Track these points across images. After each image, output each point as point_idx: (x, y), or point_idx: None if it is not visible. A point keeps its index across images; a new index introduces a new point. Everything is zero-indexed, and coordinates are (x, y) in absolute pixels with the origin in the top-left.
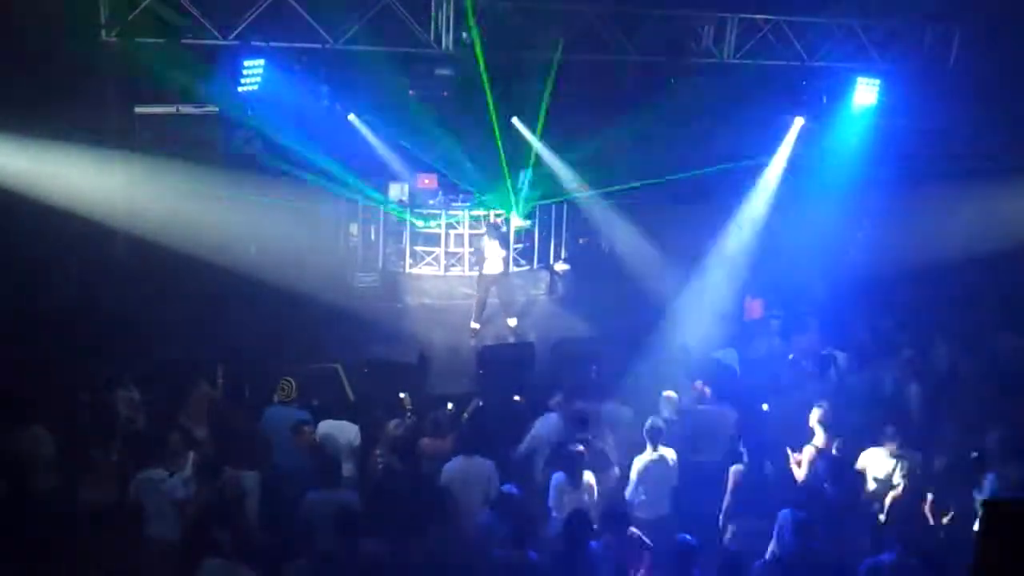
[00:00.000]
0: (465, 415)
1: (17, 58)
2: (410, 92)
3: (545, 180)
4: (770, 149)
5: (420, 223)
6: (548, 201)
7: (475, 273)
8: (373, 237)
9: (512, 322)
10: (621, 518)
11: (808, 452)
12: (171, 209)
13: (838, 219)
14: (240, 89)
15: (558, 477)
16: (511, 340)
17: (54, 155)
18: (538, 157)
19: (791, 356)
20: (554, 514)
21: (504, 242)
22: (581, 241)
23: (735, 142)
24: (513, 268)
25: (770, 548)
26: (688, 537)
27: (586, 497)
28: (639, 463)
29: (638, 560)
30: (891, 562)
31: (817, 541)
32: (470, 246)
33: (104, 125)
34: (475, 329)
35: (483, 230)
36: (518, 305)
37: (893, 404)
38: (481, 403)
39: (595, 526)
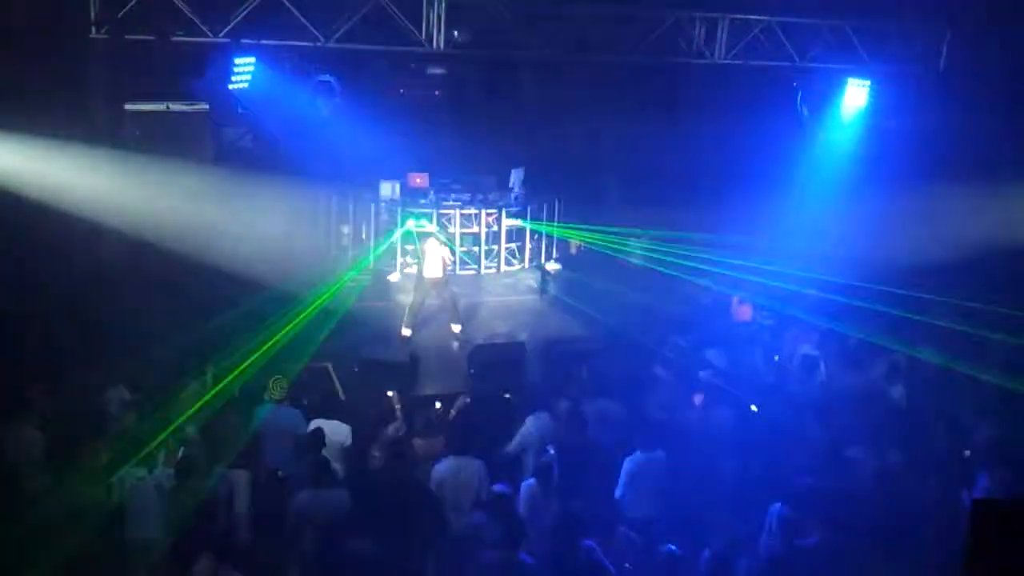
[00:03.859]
0: (452, 413)
1: (6, 55)
2: (401, 91)
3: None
4: (762, 151)
5: (411, 222)
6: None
7: (470, 272)
8: (364, 237)
9: (456, 328)
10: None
11: None
12: (161, 207)
13: (829, 220)
14: (231, 87)
15: (528, 483)
16: (501, 340)
17: (43, 153)
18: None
19: (776, 358)
20: (523, 516)
21: (448, 246)
22: (573, 252)
23: (727, 144)
24: (504, 267)
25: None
26: (672, 548)
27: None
28: (629, 462)
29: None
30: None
31: (804, 538)
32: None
33: (94, 122)
34: (406, 336)
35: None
36: (460, 310)
37: (880, 405)
38: (468, 400)
39: None
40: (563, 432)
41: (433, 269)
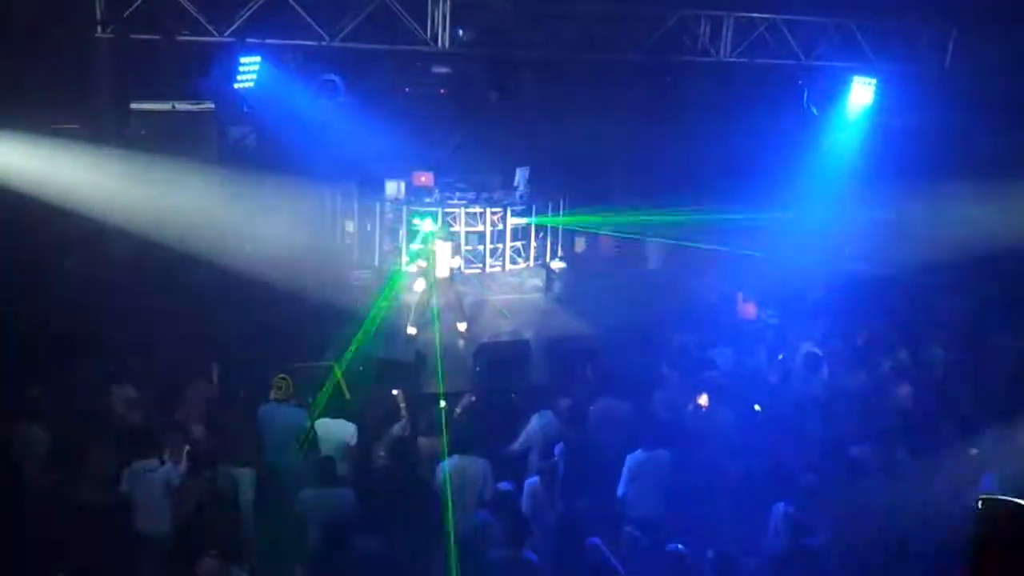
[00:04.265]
0: (458, 411)
1: (13, 55)
2: (406, 90)
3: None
4: (767, 149)
5: (417, 220)
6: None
7: (475, 270)
8: (369, 229)
9: (461, 326)
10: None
11: None
12: (167, 206)
13: (834, 218)
14: (236, 86)
15: (532, 481)
16: (506, 338)
17: (49, 152)
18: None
19: (780, 356)
20: (527, 514)
21: (454, 246)
22: (579, 250)
23: (731, 142)
24: (509, 266)
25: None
26: (679, 547)
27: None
28: (630, 460)
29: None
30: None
31: (810, 537)
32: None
33: (100, 122)
34: (412, 334)
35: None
36: (466, 309)
37: (885, 404)
38: (474, 399)
39: None
40: (566, 430)
41: (440, 268)
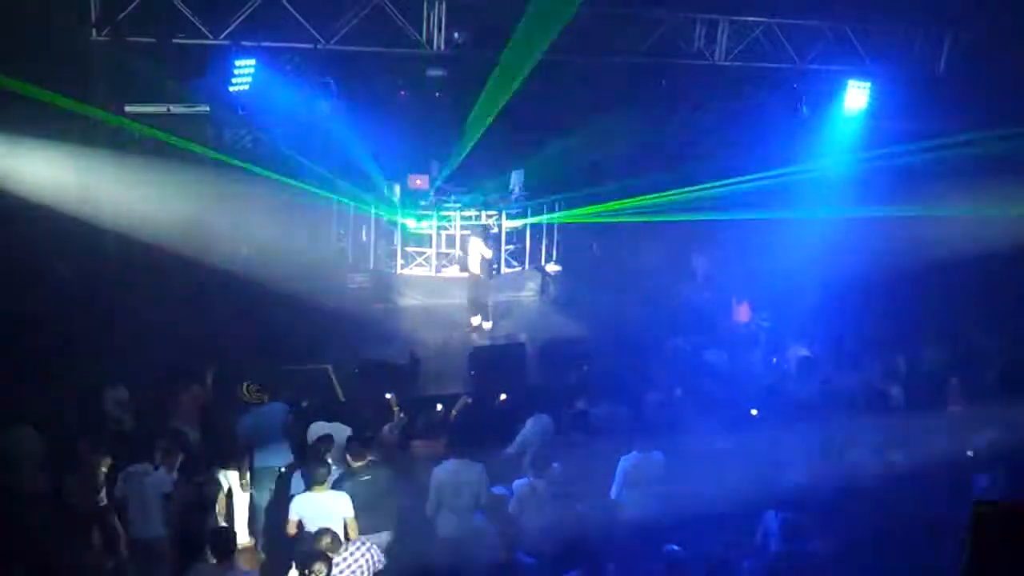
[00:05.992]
0: (454, 413)
1: (8, 57)
2: (401, 92)
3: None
4: (762, 152)
5: (412, 223)
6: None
7: (467, 274)
8: (364, 238)
9: (475, 320)
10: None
11: None
12: (162, 209)
13: (828, 221)
14: (231, 89)
15: (520, 483)
16: (501, 341)
17: (45, 155)
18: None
19: (774, 360)
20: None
21: (488, 242)
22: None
23: (728, 145)
24: (505, 269)
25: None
26: (675, 548)
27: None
28: (625, 462)
29: None
30: None
31: (805, 541)
32: (460, 248)
33: (95, 125)
34: (474, 326)
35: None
36: (490, 308)
37: (880, 406)
38: (470, 400)
39: None
40: (569, 431)
41: (473, 264)
